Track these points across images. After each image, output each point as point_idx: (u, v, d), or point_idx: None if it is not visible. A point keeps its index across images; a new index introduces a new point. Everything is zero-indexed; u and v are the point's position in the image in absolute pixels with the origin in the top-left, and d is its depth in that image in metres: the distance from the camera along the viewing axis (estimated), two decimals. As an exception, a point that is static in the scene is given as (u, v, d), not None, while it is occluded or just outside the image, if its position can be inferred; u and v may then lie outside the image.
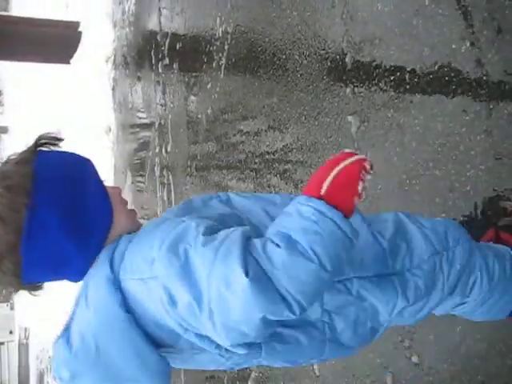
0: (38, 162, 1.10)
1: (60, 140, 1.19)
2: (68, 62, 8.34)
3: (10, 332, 19.23)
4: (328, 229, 0.95)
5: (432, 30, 1.96)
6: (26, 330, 17.73)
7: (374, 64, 2.25)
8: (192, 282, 0.95)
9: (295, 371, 2.93)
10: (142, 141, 6.05)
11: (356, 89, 2.35)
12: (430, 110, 1.98)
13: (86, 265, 1.10)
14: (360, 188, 1.02)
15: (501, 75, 1.73)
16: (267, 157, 3.25)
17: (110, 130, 7.40)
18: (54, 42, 8.02)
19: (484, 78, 1.77)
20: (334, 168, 1.02)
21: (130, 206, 1.23)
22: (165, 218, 1.17)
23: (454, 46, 1.88)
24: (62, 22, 8.44)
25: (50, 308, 10.23)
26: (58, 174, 1.11)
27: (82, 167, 1.17)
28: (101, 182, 1.18)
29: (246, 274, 0.89)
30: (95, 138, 7.72)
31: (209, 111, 4.01)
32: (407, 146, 2.11)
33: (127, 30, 6.47)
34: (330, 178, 1.01)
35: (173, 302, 0.99)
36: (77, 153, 1.21)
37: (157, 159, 5.39)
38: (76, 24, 8.15)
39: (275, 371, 3.14)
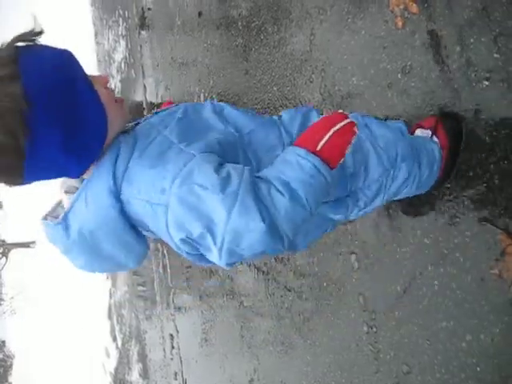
0: (24, 73, 1.00)
1: (40, 34, 1.10)
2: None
3: None
4: (319, 182, 1.14)
5: (406, 100, 2.04)
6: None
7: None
8: (208, 219, 1.07)
9: None
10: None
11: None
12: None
13: (86, 168, 1.15)
14: (348, 150, 1.19)
15: (477, 141, 1.79)
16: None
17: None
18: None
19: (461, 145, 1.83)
20: (330, 128, 1.18)
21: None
22: (169, 140, 1.19)
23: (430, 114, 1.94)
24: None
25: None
26: (47, 84, 1.04)
27: (67, 66, 1.11)
28: (87, 77, 1.14)
29: (263, 221, 1.05)
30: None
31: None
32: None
33: (114, 105, 6.61)
34: (326, 138, 1.17)
35: (182, 230, 1.10)
36: (55, 47, 1.12)
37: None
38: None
39: None
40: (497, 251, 1.71)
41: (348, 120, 1.21)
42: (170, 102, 1.71)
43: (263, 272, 3.32)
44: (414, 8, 1.93)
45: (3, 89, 0.99)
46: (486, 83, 1.71)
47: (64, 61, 1.11)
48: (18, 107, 0.99)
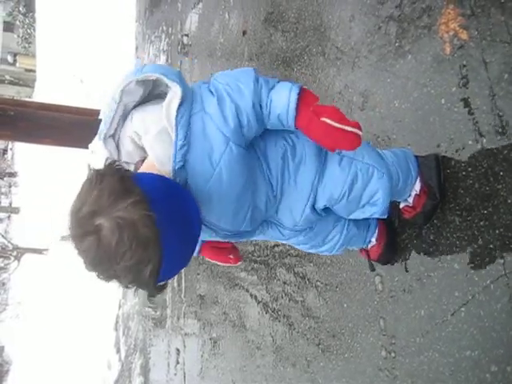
0: (151, 200, 1.15)
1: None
2: (86, 147, 8.51)
3: None
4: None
5: (448, 126, 2.05)
6: None
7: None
8: None
9: None
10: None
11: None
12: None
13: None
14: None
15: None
16: (276, 249, 3.28)
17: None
18: (74, 127, 8.22)
19: (500, 173, 1.83)
20: (342, 124, 1.35)
21: None
22: None
23: (470, 143, 1.95)
24: (81, 108, 8.71)
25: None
26: (169, 205, 1.22)
27: (176, 192, 1.31)
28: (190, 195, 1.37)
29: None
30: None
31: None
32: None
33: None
34: (333, 124, 1.35)
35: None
36: (164, 179, 1.33)
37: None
38: (95, 111, 8.39)
39: None
40: (530, 279, 1.69)
41: (359, 134, 1.38)
42: None
43: (283, 295, 3.29)
44: (465, 34, 1.96)
45: (142, 223, 1.12)
46: (534, 111, 1.72)
47: (173, 189, 1.32)
48: (155, 239, 1.13)
